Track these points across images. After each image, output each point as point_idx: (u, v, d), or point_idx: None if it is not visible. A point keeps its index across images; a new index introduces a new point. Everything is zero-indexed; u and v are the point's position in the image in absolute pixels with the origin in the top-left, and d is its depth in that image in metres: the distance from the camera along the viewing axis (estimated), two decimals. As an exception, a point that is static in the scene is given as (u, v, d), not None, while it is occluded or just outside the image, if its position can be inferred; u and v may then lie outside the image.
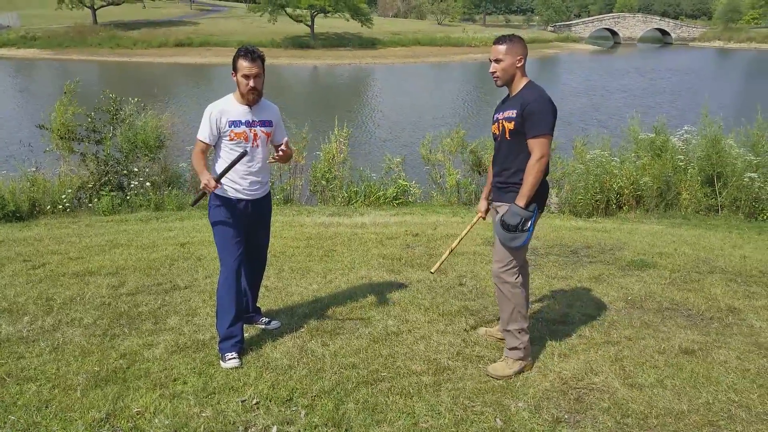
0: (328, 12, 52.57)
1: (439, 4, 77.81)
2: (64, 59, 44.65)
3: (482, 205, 3.81)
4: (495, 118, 3.53)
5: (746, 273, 5.45)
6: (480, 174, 10.11)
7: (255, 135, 3.57)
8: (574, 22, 76.74)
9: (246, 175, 3.59)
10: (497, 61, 3.40)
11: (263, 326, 4.03)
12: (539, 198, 3.44)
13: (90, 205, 8.70)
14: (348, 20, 54.20)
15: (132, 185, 8.94)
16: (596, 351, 3.76)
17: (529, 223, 3.35)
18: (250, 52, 3.43)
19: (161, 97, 20.05)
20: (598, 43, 69.61)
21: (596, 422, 3.03)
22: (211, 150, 3.68)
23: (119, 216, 8.25)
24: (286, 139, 3.74)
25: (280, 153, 3.66)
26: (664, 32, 75.78)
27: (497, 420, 3.03)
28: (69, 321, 4.11)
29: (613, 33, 75.19)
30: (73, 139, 9.05)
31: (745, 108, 21.35)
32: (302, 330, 3.99)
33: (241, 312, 3.65)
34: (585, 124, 17.13)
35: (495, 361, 3.58)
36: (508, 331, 3.55)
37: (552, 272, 5.34)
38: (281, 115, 3.82)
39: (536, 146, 3.29)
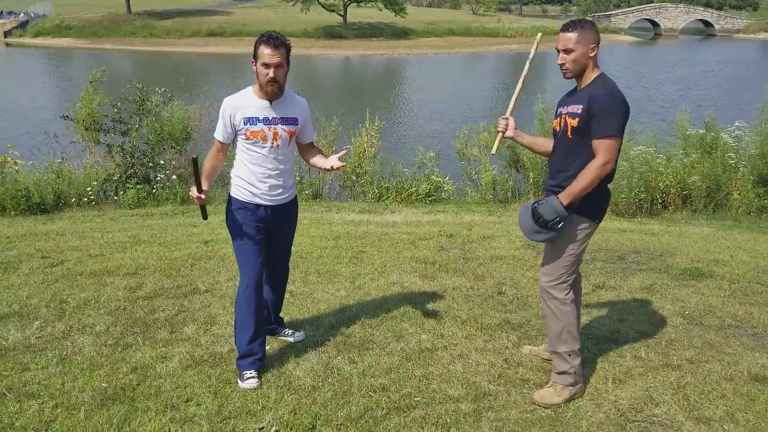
0: (361, 1, 52.13)
1: (473, -6, 76.60)
2: (98, 48, 45.16)
3: (518, 134, 3.36)
4: (558, 112, 3.14)
5: (816, 286, 4.94)
6: (518, 170, 9.65)
7: (275, 134, 3.17)
8: (613, 12, 74.66)
9: (264, 178, 3.22)
10: (567, 51, 2.97)
11: (287, 338, 3.71)
12: (596, 206, 3.04)
13: (116, 197, 8.51)
14: (381, 10, 53.65)
15: (158, 178, 8.73)
16: (655, 376, 3.36)
17: (562, 224, 2.96)
18: (272, 38, 3.02)
19: (193, 88, 19.96)
20: (638, 34, 67.64)
21: (661, 467, 2.64)
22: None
23: (144, 209, 8.05)
24: (344, 152, 3.29)
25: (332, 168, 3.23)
26: (706, 23, 73.33)
27: (546, 460, 2.67)
28: (80, 327, 3.85)
29: (654, 24, 72.98)
30: (98, 130, 8.88)
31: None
32: (328, 344, 3.67)
33: (261, 326, 3.31)
34: (634, 119, 16.47)
35: (542, 386, 3.21)
36: (557, 353, 3.17)
37: (599, 281, 4.92)
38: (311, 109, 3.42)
39: (601, 149, 2.88)
